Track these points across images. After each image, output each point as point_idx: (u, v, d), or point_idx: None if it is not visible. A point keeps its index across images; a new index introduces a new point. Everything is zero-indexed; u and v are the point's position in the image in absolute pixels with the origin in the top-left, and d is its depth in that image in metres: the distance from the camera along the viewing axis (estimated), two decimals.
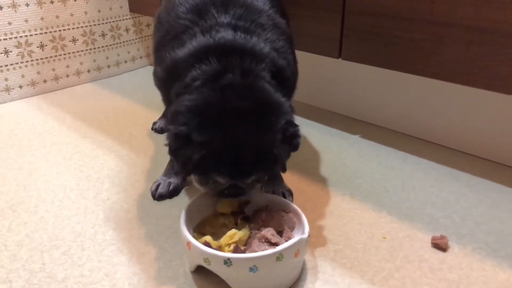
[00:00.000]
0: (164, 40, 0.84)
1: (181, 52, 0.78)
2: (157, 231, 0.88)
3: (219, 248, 0.72)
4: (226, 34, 0.77)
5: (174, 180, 0.99)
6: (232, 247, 0.73)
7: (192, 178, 0.80)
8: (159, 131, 1.30)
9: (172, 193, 0.98)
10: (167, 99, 0.87)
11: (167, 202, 0.97)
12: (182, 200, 0.98)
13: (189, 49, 0.77)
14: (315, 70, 1.47)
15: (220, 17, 0.80)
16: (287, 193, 0.95)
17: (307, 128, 1.31)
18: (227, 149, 0.71)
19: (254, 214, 0.82)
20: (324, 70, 1.46)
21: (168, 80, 0.81)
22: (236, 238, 0.74)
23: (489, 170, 1.08)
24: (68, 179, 1.07)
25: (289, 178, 1.04)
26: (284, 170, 0.80)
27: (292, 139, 0.75)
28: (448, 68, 0.93)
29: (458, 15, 0.87)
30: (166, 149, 0.99)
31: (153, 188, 0.99)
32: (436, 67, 0.94)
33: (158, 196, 0.98)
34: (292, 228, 0.79)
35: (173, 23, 0.83)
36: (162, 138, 1.01)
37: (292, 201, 0.94)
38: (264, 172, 0.77)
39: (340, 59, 1.12)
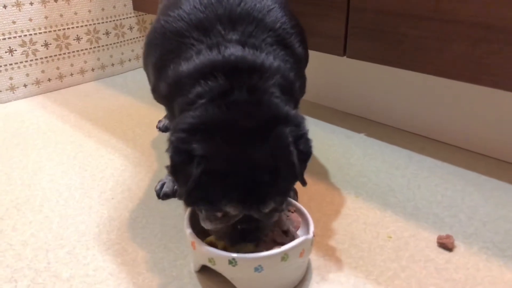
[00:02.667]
0: (167, 59, 0.77)
1: (186, 66, 0.73)
2: (162, 230, 0.88)
3: (225, 248, 0.72)
4: (235, 51, 0.71)
5: None
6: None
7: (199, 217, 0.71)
8: (164, 130, 1.30)
9: (177, 192, 0.98)
10: (171, 113, 0.82)
11: (172, 202, 0.97)
12: None
13: (195, 63, 0.72)
14: (320, 68, 1.47)
15: (227, 34, 0.74)
16: (292, 192, 0.94)
17: (312, 127, 1.30)
18: (235, 167, 0.63)
19: None
20: (328, 68, 1.45)
21: (171, 95, 0.76)
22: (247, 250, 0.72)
23: (494, 169, 1.08)
24: (72, 178, 1.07)
25: None
26: (304, 183, 0.70)
27: (301, 145, 0.67)
28: (454, 66, 0.92)
29: (464, 12, 0.87)
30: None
31: (158, 187, 0.99)
32: (442, 65, 0.94)
33: (163, 195, 0.97)
34: (297, 228, 0.79)
35: (175, 42, 0.76)
36: (167, 137, 1.01)
37: (297, 200, 0.93)
38: (282, 196, 0.67)
39: (345, 57, 1.11)
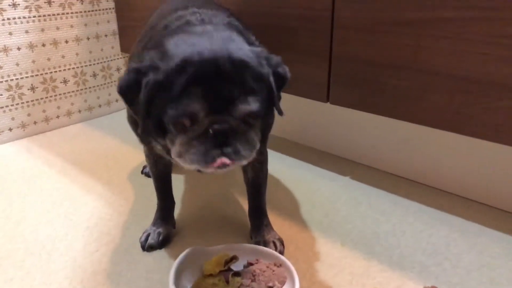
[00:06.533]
0: None
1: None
2: (147, 285, 0.87)
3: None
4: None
5: (163, 230, 0.98)
6: None
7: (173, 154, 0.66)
8: (149, 175, 1.29)
9: (162, 243, 0.97)
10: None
11: (157, 253, 0.96)
12: (173, 250, 0.97)
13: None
14: (305, 111, 1.49)
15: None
16: (278, 242, 0.94)
17: (297, 169, 1.32)
18: (191, 58, 0.59)
19: (245, 269, 0.81)
20: (313, 110, 1.47)
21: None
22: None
23: (479, 213, 1.09)
24: (57, 228, 1.06)
25: (279, 225, 1.03)
26: (280, 111, 0.69)
27: (279, 69, 0.70)
28: (434, 115, 0.94)
29: (441, 64, 0.89)
30: (154, 195, 1.00)
31: (143, 238, 0.98)
32: (422, 114, 0.96)
33: (148, 247, 0.96)
34: (282, 283, 0.78)
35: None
36: (152, 183, 1.01)
37: (283, 250, 0.93)
38: (255, 95, 0.61)
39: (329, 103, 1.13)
